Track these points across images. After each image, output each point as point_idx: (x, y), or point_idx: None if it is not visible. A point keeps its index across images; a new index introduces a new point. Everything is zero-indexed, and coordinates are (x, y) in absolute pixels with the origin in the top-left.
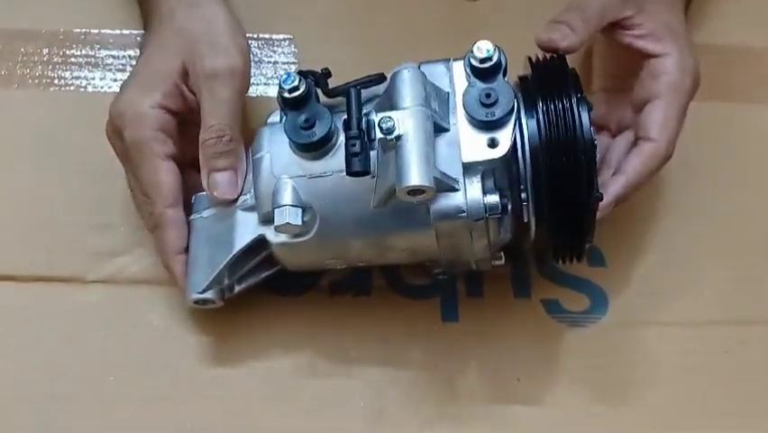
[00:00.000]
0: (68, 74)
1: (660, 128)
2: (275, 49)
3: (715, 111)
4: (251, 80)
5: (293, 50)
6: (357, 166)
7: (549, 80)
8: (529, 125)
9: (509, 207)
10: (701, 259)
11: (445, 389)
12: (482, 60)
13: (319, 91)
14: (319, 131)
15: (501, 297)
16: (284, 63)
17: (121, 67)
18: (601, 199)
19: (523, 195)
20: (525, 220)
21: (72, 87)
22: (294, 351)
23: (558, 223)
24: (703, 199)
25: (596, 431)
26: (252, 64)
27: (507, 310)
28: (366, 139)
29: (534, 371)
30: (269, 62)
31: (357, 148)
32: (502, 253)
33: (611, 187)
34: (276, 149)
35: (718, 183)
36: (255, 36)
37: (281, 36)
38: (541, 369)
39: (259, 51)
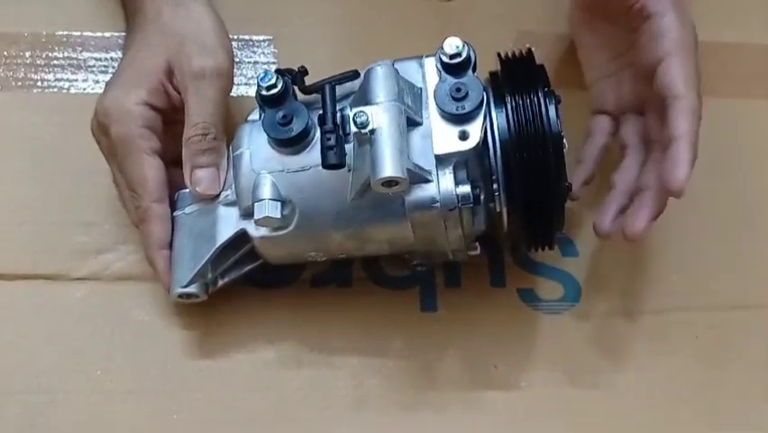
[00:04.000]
0: (50, 76)
1: (684, 82)
2: (255, 49)
3: None
4: None
5: (273, 50)
6: (332, 159)
7: (517, 75)
8: (499, 119)
9: (482, 198)
10: (671, 247)
11: (425, 376)
12: (452, 56)
13: (296, 89)
14: (296, 127)
15: (478, 286)
16: (264, 63)
17: (103, 69)
18: (570, 189)
19: (494, 186)
20: (498, 210)
21: (55, 89)
22: (278, 342)
23: (529, 212)
24: None
25: (570, 415)
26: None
27: (484, 299)
28: (341, 133)
29: (510, 357)
30: (249, 63)
31: (332, 142)
32: (477, 244)
33: (681, 154)
34: (255, 145)
35: None
36: (235, 37)
37: (261, 37)
38: (517, 355)
39: (239, 52)
